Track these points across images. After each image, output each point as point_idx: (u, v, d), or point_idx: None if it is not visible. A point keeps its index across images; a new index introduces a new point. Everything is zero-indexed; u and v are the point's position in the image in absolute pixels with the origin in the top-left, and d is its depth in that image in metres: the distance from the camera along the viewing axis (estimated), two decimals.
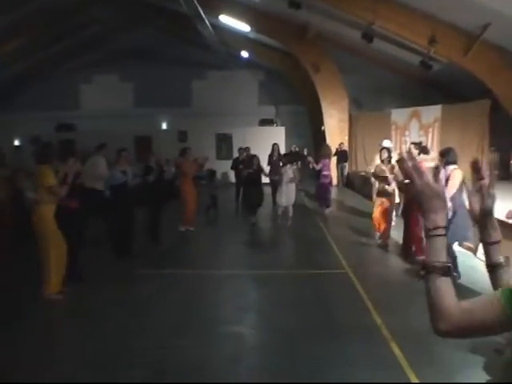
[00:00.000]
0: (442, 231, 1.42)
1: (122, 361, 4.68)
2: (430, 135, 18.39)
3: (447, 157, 7.10)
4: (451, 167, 6.99)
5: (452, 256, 7.06)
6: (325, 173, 13.33)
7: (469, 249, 8.89)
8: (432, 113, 18.32)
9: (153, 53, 23.60)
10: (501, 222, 7.68)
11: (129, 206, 8.82)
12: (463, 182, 6.83)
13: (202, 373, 4.44)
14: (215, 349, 5.00)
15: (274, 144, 14.77)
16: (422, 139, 18.06)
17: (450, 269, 1.40)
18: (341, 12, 14.40)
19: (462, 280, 6.73)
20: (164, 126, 25.75)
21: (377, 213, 9.56)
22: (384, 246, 9.34)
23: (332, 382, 4.25)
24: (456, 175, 6.90)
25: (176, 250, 9.65)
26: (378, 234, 9.82)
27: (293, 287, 7.09)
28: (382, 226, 9.49)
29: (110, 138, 18.00)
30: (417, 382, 4.20)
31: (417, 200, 1.46)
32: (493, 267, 1.60)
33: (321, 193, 13.50)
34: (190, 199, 11.21)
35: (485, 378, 4.22)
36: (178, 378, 4.34)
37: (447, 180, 6.98)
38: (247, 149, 14.61)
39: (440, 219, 1.43)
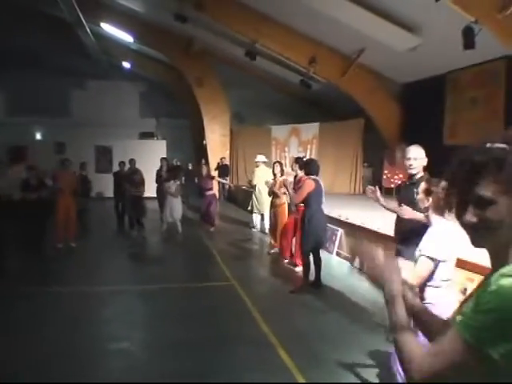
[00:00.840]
0: (397, 295, 1.57)
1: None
2: (308, 151, 19.13)
3: (306, 168, 7.65)
4: (307, 177, 7.47)
5: (316, 263, 7.50)
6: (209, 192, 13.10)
7: (346, 258, 9.45)
8: (310, 130, 19.11)
9: (30, 59, 22.24)
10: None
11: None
12: (315, 192, 7.27)
13: None
14: (102, 365, 4.90)
15: (163, 158, 14.41)
16: (301, 155, 18.80)
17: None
18: (226, 28, 14.64)
19: (340, 287, 7.16)
20: (40, 136, 24.44)
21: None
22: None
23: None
24: (306, 185, 7.31)
25: (58, 266, 9.20)
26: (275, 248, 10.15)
27: (180, 301, 7.05)
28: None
29: None
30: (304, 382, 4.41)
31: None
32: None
33: (206, 210, 13.02)
34: (66, 214, 10.60)
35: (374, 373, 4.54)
36: None
37: (299, 188, 7.52)
38: (132, 161, 13.66)
39: (397, 290, 1.59)
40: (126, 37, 18.51)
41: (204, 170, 13.29)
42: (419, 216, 4.32)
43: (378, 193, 5.12)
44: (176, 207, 11.85)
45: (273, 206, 10.28)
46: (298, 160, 8.67)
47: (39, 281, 7.93)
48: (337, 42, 14.22)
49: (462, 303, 1.49)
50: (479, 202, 1.32)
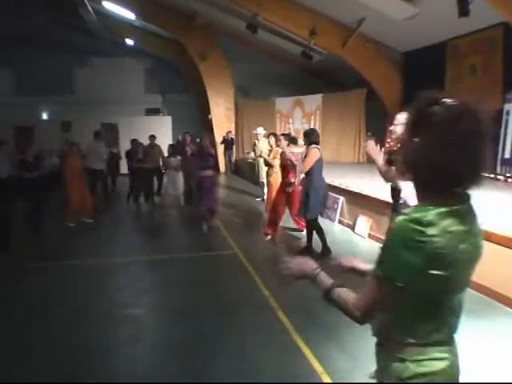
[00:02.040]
0: (317, 270, 1.93)
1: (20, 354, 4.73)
2: (312, 122, 19.34)
3: (309, 137, 7.71)
4: (311, 146, 7.59)
5: (318, 228, 7.78)
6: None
7: (348, 225, 9.75)
8: (314, 101, 19.28)
9: (33, 38, 22.35)
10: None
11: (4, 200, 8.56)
12: (320, 160, 7.52)
13: (104, 355, 4.63)
14: (115, 330, 5.23)
15: (185, 133, 14.25)
16: (305, 126, 19.04)
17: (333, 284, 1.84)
18: (227, 2, 14.76)
19: (342, 253, 7.45)
20: (46, 115, 24.65)
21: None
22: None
23: (228, 348, 4.66)
24: (312, 154, 7.50)
25: (66, 241, 9.49)
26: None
27: (186, 269, 7.35)
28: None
29: None
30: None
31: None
32: None
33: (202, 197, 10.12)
34: (76, 191, 10.76)
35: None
36: (82, 362, 4.49)
37: (305, 157, 7.68)
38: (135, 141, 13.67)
39: (312, 266, 1.97)
40: (128, 14, 18.63)
41: (205, 144, 10.51)
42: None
43: (378, 151, 5.27)
44: (178, 181, 12.20)
45: (268, 175, 10.63)
46: (284, 136, 9.02)
47: (50, 256, 8.27)
48: (336, 12, 14.32)
49: None
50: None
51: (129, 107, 23.56)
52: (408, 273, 1.56)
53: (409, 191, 3.87)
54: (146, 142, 13.39)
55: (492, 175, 11.68)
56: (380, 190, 8.35)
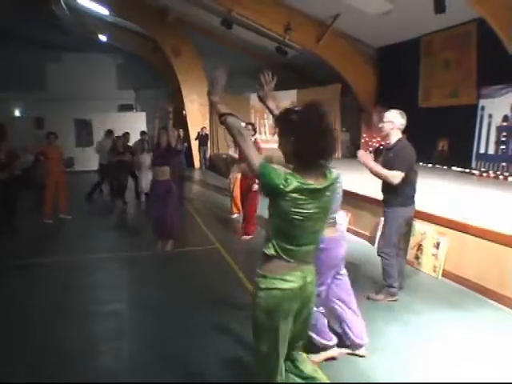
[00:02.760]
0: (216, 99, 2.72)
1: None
2: None
3: None
4: None
5: None
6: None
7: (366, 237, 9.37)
8: (288, 97, 19.27)
9: (3, 33, 21.80)
10: (354, 195, 8.59)
11: None
12: None
13: (83, 352, 4.59)
14: (96, 326, 5.19)
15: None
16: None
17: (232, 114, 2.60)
18: None
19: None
20: (18, 112, 24.17)
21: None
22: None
23: (216, 340, 4.65)
24: None
25: (42, 239, 9.34)
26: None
27: (170, 265, 7.35)
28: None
29: None
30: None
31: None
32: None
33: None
34: (56, 189, 10.67)
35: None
36: (61, 360, 4.46)
37: None
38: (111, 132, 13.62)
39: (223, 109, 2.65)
40: (101, 9, 18.41)
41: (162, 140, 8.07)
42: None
43: (370, 157, 5.43)
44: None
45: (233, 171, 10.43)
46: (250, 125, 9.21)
47: (27, 254, 8.15)
48: (311, 8, 14.37)
49: None
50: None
51: (102, 103, 23.31)
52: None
53: None
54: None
55: (467, 170, 11.89)
56: (359, 185, 8.44)
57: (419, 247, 6.74)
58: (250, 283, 6.22)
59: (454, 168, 12.62)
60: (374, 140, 15.69)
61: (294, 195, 2.43)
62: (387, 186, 5.29)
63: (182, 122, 21.02)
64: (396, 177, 5.10)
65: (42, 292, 6.23)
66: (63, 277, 6.84)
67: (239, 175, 9.57)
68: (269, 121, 19.72)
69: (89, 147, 20.72)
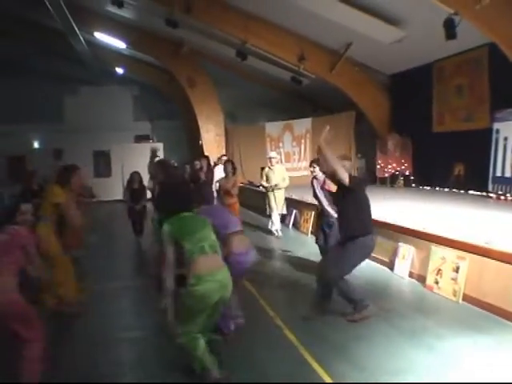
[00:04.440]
0: None
1: None
2: (302, 146, 19.53)
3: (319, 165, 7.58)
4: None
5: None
6: None
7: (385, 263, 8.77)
8: (303, 125, 19.48)
9: (22, 67, 22.40)
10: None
11: None
12: None
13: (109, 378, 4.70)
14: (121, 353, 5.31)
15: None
16: (296, 149, 19.37)
17: None
18: (216, 30, 15.00)
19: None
20: (37, 144, 24.59)
21: None
22: None
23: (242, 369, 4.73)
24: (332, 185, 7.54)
25: None
26: None
27: None
28: None
29: None
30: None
31: None
32: None
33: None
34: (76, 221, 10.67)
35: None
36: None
37: (322, 188, 7.71)
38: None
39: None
40: (118, 43, 18.85)
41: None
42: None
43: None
44: None
45: (225, 205, 9.67)
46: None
47: None
48: (324, 38, 14.61)
49: None
50: None
51: (118, 134, 23.61)
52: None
53: None
54: (138, 168, 13.32)
55: (484, 193, 11.90)
56: (374, 210, 8.49)
57: (438, 271, 6.77)
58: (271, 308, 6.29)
59: (470, 192, 12.63)
60: (389, 166, 15.77)
61: None
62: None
63: (197, 151, 21.26)
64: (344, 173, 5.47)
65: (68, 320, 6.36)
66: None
67: None
68: (284, 149, 19.87)
69: (107, 178, 21.13)
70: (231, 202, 9.96)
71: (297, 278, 7.94)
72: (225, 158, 20.05)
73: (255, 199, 15.53)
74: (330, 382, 4.24)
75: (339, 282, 5.72)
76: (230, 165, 10.39)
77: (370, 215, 5.87)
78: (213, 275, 4.22)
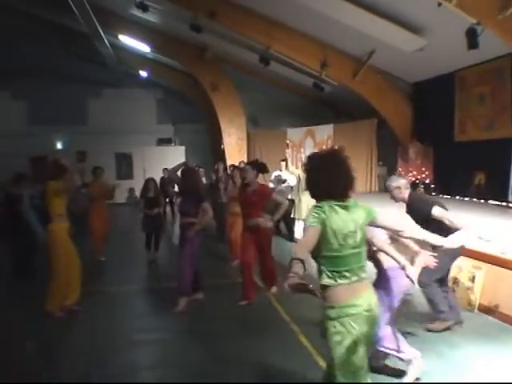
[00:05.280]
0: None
1: None
2: None
3: None
4: None
5: None
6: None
7: None
8: (325, 131, 19.51)
9: (46, 70, 22.69)
10: None
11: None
12: None
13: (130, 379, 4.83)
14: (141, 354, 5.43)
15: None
16: None
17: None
18: (239, 36, 15.14)
19: None
20: (60, 145, 24.97)
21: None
22: None
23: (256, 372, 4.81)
24: None
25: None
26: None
27: (207, 298, 7.31)
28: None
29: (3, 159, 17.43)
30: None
31: None
32: None
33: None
34: (98, 226, 10.17)
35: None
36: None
37: None
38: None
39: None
40: (142, 47, 19.11)
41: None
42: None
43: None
44: None
45: (232, 214, 9.34)
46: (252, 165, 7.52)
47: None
48: (347, 45, 14.67)
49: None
50: None
51: (141, 137, 23.90)
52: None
53: None
54: (159, 171, 13.47)
55: (504, 203, 11.82)
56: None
57: (455, 281, 6.77)
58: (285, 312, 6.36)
59: (490, 201, 12.56)
60: (410, 174, 15.72)
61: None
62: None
63: (219, 155, 21.40)
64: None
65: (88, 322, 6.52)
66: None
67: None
68: (305, 155, 19.91)
69: (129, 180, 21.40)
70: (238, 211, 8.45)
71: None
72: (242, 163, 20.21)
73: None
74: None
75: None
76: (237, 171, 9.31)
77: None
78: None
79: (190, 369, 4.95)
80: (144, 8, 14.19)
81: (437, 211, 5.28)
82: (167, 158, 20.68)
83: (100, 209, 10.36)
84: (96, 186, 10.37)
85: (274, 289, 7.30)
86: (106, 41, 17.47)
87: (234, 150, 20.67)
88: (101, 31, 16.17)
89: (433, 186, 15.19)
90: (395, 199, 5.69)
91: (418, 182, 15.52)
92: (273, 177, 12.14)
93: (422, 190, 15.30)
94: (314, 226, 2.99)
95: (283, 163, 12.52)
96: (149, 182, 10.44)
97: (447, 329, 5.64)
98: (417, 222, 5.00)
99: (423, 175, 15.47)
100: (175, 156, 21.43)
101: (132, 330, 6.21)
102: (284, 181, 11.86)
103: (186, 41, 18.33)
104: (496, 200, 12.33)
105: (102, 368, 5.00)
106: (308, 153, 20.20)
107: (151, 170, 15.95)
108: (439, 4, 9.09)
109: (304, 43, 14.88)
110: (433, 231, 3.84)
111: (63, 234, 6.59)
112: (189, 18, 14.37)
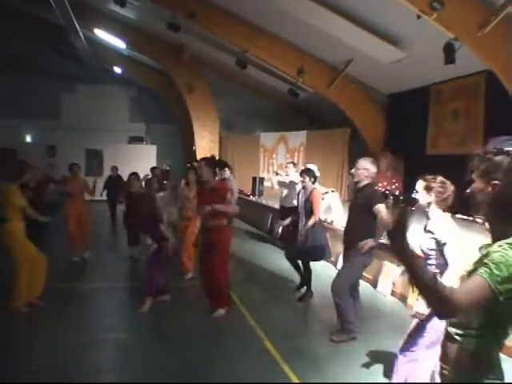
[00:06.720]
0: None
1: None
2: (295, 158, 19.54)
3: (313, 175, 7.72)
4: (315, 186, 7.71)
5: (308, 271, 7.80)
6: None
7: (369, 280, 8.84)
8: (298, 138, 19.53)
9: (20, 62, 22.29)
10: None
11: None
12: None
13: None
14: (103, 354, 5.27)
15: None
16: (289, 161, 19.35)
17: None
18: (217, 38, 15.05)
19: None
20: (30, 138, 24.44)
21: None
22: None
23: (221, 376, 4.72)
24: (319, 195, 7.69)
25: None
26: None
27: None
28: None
29: None
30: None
31: None
32: None
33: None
34: (76, 224, 9.89)
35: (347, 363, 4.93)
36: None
37: (309, 198, 7.60)
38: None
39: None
40: (118, 43, 18.86)
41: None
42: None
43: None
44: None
45: (184, 218, 8.97)
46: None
47: None
48: (324, 53, 14.70)
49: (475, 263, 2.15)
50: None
51: (112, 134, 23.68)
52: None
53: None
54: (130, 169, 13.23)
55: (471, 218, 11.90)
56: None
57: None
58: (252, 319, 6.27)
59: (458, 215, 12.66)
60: (379, 185, 15.79)
61: None
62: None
63: (190, 157, 21.27)
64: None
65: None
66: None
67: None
68: (277, 160, 19.92)
69: (98, 177, 21.03)
70: (191, 214, 8.58)
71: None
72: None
73: (246, 210, 15.48)
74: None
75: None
76: (193, 172, 8.92)
77: None
78: None
79: (147, 371, 4.87)
80: (122, 3, 13.96)
81: (381, 208, 5.40)
82: (138, 157, 20.50)
83: (78, 206, 10.06)
84: (74, 182, 10.12)
85: (219, 312, 6.65)
86: (81, 34, 17.15)
87: (206, 153, 20.53)
88: (76, 24, 15.87)
89: (402, 197, 15.26)
90: (357, 179, 5.88)
91: (387, 193, 15.59)
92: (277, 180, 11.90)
93: (391, 201, 15.39)
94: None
95: (291, 165, 11.66)
96: (132, 177, 9.75)
97: (353, 339, 5.73)
98: (358, 208, 5.65)
99: (393, 186, 15.56)
100: (146, 154, 21.29)
101: (98, 328, 6.09)
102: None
103: (163, 40, 18.19)
104: (464, 215, 12.43)
105: (59, 368, 4.85)
106: (280, 159, 20.51)
107: (122, 167, 15.69)
108: (418, 17, 9.13)
109: (282, 48, 14.86)
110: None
111: (20, 233, 6.56)
112: (167, 17, 14.22)
